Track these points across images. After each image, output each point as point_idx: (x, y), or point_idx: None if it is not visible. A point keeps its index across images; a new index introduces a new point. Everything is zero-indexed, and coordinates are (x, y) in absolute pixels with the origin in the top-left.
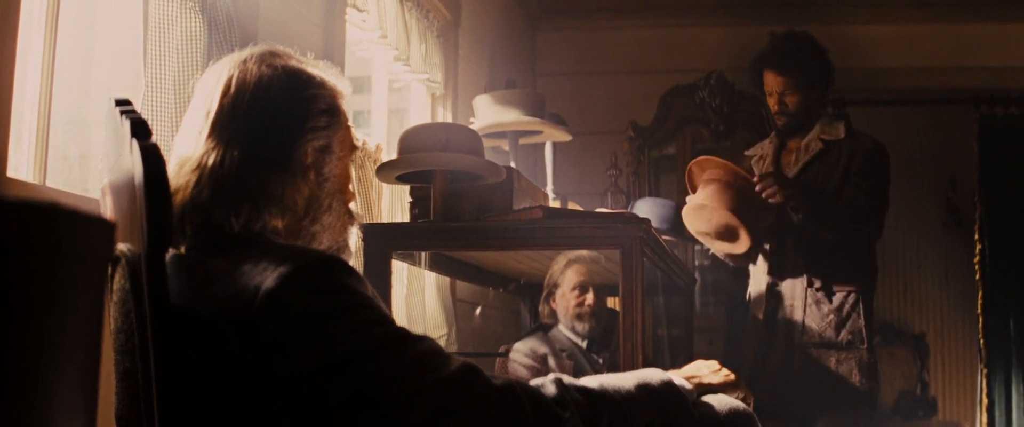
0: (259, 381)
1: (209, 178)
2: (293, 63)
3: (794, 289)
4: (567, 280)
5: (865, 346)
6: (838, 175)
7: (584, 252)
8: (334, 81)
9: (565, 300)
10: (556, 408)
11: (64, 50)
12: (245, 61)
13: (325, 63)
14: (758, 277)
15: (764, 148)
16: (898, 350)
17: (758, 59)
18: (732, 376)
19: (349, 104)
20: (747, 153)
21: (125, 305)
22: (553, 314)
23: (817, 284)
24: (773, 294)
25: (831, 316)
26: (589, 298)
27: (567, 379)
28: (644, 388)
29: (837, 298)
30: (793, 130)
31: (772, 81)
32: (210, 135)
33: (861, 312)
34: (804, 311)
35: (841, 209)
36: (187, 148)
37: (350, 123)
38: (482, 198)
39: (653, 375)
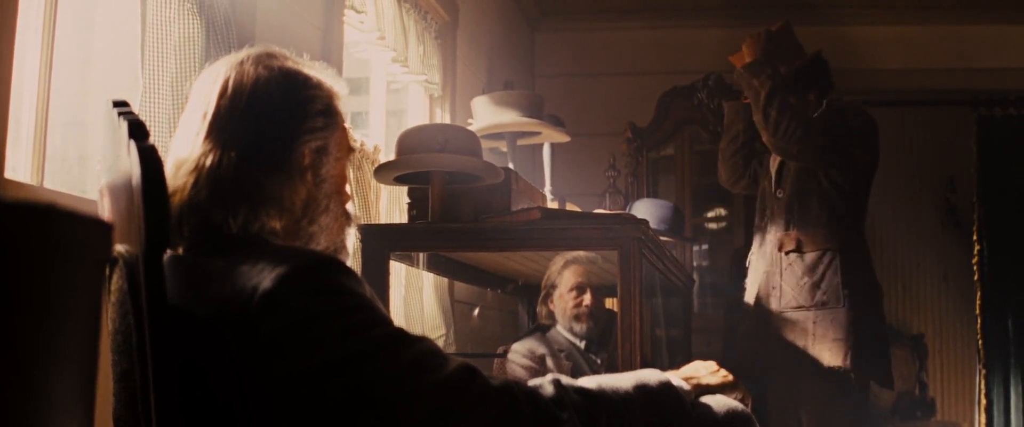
0: (257, 382)
1: (207, 179)
2: (289, 64)
3: (771, 256)
4: (565, 281)
5: (842, 305)
6: None
7: (581, 253)
8: (330, 82)
9: (563, 301)
10: (554, 409)
11: (62, 51)
12: (242, 62)
13: (321, 64)
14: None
15: None
16: (896, 350)
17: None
18: (730, 377)
19: (346, 105)
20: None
21: (123, 306)
22: (551, 315)
23: (787, 248)
24: (751, 264)
25: (805, 278)
26: (587, 299)
27: (565, 380)
28: (642, 389)
29: (810, 258)
30: None
31: None
32: (207, 136)
33: (838, 270)
34: (780, 276)
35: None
36: (184, 149)
37: (347, 124)
38: (480, 199)
39: (651, 376)
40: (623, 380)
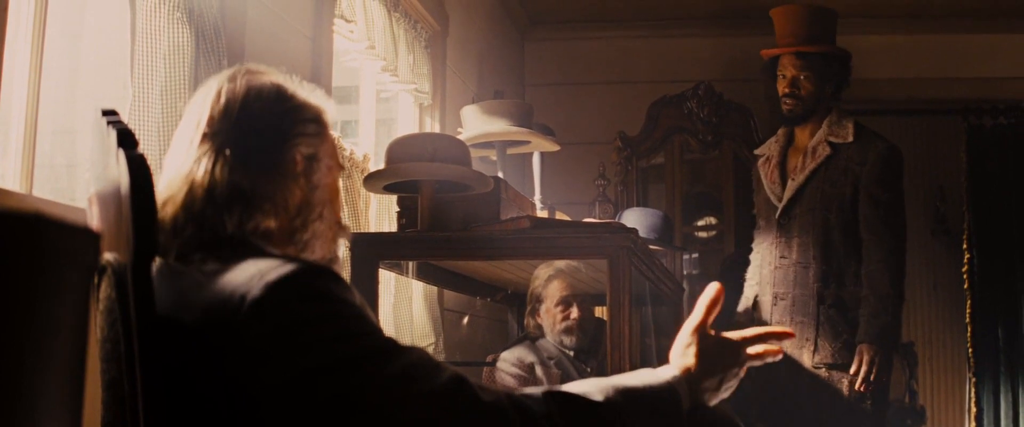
0: (244, 389)
1: (201, 182)
2: (279, 79)
3: (805, 306)
4: (550, 295)
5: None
6: (848, 184)
7: (563, 264)
8: (318, 101)
9: (550, 315)
10: (544, 421)
11: (51, 59)
12: (233, 77)
13: (309, 85)
14: (755, 289)
15: (771, 148)
16: None
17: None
18: None
19: (333, 122)
20: (756, 152)
21: (111, 314)
22: (539, 328)
23: (830, 301)
24: (777, 311)
25: (845, 335)
26: (574, 312)
27: (557, 390)
28: (634, 394)
29: (853, 316)
30: (800, 119)
31: (789, 62)
32: (201, 143)
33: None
34: (816, 329)
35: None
36: (178, 159)
37: (335, 141)
38: (469, 208)
39: (650, 378)
40: (615, 384)
